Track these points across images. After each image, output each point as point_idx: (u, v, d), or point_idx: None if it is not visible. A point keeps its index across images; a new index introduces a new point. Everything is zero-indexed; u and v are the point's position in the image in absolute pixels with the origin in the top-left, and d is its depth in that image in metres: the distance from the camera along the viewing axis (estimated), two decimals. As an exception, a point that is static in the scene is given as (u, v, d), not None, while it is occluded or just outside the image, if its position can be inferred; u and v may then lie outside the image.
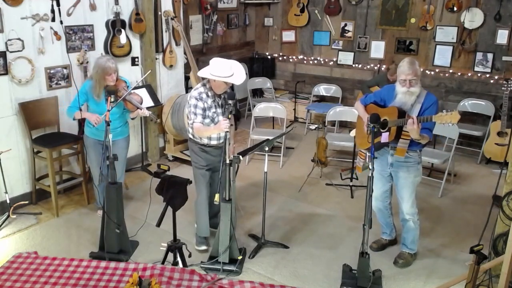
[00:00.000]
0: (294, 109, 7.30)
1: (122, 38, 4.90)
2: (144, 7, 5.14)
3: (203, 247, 3.74)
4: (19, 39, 4.13)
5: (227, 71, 3.38)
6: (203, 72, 3.44)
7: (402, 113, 3.28)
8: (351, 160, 5.10)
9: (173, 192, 3.13)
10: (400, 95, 3.31)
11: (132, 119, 4.12)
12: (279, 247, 3.83)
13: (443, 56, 6.16)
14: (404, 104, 3.30)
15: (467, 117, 5.83)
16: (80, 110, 3.88)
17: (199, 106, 3.45)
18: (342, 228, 4.19)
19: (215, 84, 3.45)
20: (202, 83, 3.55)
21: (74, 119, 3.95)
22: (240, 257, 3.53)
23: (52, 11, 4.33)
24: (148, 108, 4.97)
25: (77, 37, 4.61)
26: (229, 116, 3.40)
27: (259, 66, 7.65)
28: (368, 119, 3.27)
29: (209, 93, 3.49)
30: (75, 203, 4.57)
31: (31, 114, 4.27)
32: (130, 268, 2.80)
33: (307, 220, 4.34)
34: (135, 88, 5.06)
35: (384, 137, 3.31)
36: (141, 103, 4.02)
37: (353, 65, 6.94)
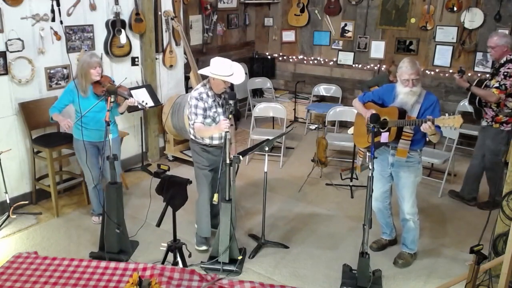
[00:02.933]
0: (294, 109, 7.29)
1: (122, 38, 4.90)
2: (144, 7, 5.14)
3: (204, 247, 3.75)
4: (19, 39, 4.13)
5: (227, 70, 3.39)
6: (203, 71, 3.47)
7: (402, 114, 3.28)
8: (351, 160, 5.10)
9: (173, 192, 3.12)
10: (402, 95, 3.30)
11: (121, 113, 4.07)
12: (279, 247, 3.83)
13: (443, 56, 6.16)
14: (405, 104, 3.30)
15: (467, 117, 5.78)
16: (80, 111, 3.86)
17: (200, 106, 3.46)
18: (342, 228, 4.19)
19: (214, 83, 3.46)
20: (202, 83, 3.57)
21: (51, 119, 3.92)
22: (240, 257, 3.53)
23: (52, 11, 4.33)
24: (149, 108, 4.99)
25: (77, 37, 4.61)
26: (230, 116, 3.41)
27: (259, 66, 7.65)
28: (368, 119, 3.27)
29: (209, 93, 3.50)
30: (75, 203, 4.57)
31: (31, 114, 4.27)
32: (130, 268, 2.80)
33: (307, 220, 4.34)
34: (135, 88, 5.08)
35: (384, 137, 3.31)
36: (128, 95, 3.99)
37: (353, 65, 6.94)
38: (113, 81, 3.98)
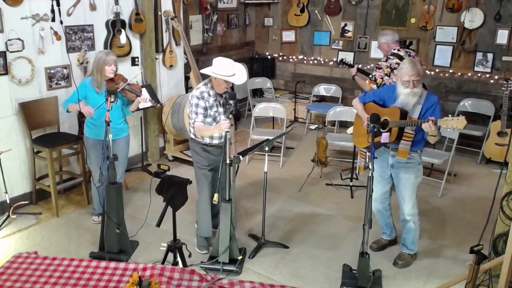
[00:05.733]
0: (294, 109, 7.29)
1: (122, 38, 4.90)
2: (144, 7, 5.14)
3: (204, 251, 3.74)
4: (19, 39, 4.13)
5: (229, 70, 3.40)
6: (205, 70, 3.47)
7: (404, 114, 3.28)
8: (351, 160, 5.10)
9: (173, 192, 3.12)
10: (403, 96, 3.30)
11: (132, 112, 4.10)
12: (279, 247, 3.83)
13: (443, 56, 6.16)
14: (406, 105, 3.30)
15: (467, 117, 5.77)
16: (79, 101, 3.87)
17: (201, 105, 3.46)
18: (342, 228, 4.19)
19: (216, 83, 3.47)
20: (204, 82, 3.57)
21: (68, 111, 3.94)
22: (240, 257, 3.53)
23: (52, 11, 4.33)
24: (148, 108, 4.99)
25: (77, 37, 4.61)
26: (230, 116, 3.41)
27: (259, 66, 7.65)
28: (368, 119, 3.27)
29: (211, 92, 3.50)
30: (75, 203, 4.57)
31: (31, 114, 4.26)
32: (130, 268, 2.80)
33: (307, 220, 4.34)
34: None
35: (384, 137, 3.30)
36: (140, 92, 4.01)
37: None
38: (126, 80, 3.99)
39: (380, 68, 4.52)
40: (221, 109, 3.55)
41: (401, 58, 4.46)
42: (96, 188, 3.95)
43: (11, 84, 4.17)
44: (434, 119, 3.09)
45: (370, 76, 4.55)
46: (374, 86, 4.48)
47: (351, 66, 5.05)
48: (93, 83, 3.85)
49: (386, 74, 4.47)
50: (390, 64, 4.47)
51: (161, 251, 3.29)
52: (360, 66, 5.31)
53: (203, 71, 3.50)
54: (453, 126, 3.03)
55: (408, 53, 4.63)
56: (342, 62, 5.17)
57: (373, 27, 6.64)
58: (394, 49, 4.56)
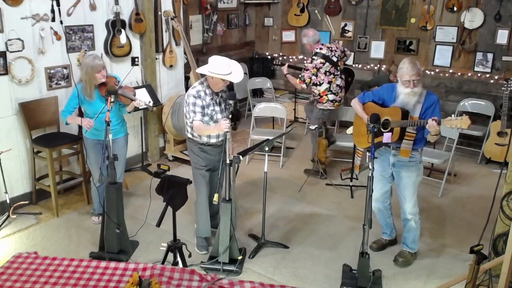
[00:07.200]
0: (294, 109, 7.29)
1: (122, 38, 4.90)
2: (144, 7, 5.14)
3: (204, 252, 3.74)
4: (19, 39, 4.13)
5: (226, 68, 3.38)
6: (201, 69, 3.45)
7: (405, 114, 3.28)
8: (351, 160, 5.10)
9: (173, 192, 3.12)
10: (403, 95, 3.30)
11: (129, 112, 4.09)
12: (279, 247, 3.83)
13: (443, 56, 6.16)
14: (407, 105, 3.31)
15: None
16: (79, 112, 3.87)
17: (198, 104, 3.44)
18: (342, 228, 4.19)
19: (213, 82, 3.45)
20: (200, 81, 3.55)
21: (66, 123, 3.92)
22: (240, 257, 3.53)
23: (52, 11, 4.33)
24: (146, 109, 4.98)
25: (77, 37, 4.61)
26: (229, 116, 3.40)
27: (259, 66, 7.65)
28: (368, 119, 3.27)
29: (207, 91, 3.49)
30: (75, 203, 4.57)
31: (31, 114, 4.26)
32: (130, 268, 2.80)
33: (307, 220, 4.34)
34: (135, 88, 5.06)
35: (386, 137, 3.30)
36: (134, 95, 3.99)
37: (353, 65, 6.93)
38: (119, 81, 3.97)
39: (307, 70, 4.93)
40: (217, 108, 3.54)
41: (324, 56, 4.83)
42: (96, 188, 3.95)
43: (11, 84, 4.17)
44: (437, 119, 3.09)
45: (300, 76, 4.93)
46: (304, 86, 5.00)
47: (282, 65, 5.35)
48: (84, 92, 3.81)
49: (313, 74, 4.91)
50: (315, 65, 4.89)
51: (161, 251, 3.29)
52: (287, 63, 5.56)
53: (199, 70, 3.47)
54: (457, 126, 3.04)
55: (330, 48, 4.93)
56: (273, 63, 5.54)
57: (373, 27, 6.64)
58: (317, 48, 4.88)
